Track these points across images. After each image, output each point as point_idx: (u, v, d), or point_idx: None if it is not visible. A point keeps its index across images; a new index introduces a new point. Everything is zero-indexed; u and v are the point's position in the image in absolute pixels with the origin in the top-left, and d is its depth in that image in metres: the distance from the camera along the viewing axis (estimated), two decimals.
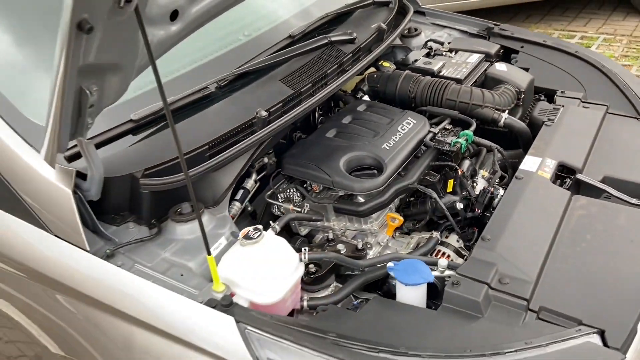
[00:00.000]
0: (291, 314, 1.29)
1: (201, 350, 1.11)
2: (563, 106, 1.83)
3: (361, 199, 1.52)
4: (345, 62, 1.80)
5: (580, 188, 1.56)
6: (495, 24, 2.30)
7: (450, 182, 1.59)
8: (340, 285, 1.38)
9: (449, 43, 2.18)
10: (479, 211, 1.55)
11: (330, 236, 1.49)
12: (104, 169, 1.25)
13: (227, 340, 1.09)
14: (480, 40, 2.24)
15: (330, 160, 1.54)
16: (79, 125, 1.14)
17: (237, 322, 1.10)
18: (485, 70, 2.01)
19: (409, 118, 1.69)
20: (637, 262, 1.29)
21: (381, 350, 1.06)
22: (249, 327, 1.09)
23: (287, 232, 1.61)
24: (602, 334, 1.14)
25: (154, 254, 1.28)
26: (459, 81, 1.89)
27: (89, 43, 1.00)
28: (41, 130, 1.20)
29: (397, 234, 1.60)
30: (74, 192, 1.22)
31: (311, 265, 1.37)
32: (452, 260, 1.45)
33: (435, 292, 1.32)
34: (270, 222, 1.43)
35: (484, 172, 1.68)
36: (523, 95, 1.87)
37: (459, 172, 1.56)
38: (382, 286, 1.41)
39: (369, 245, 1.52)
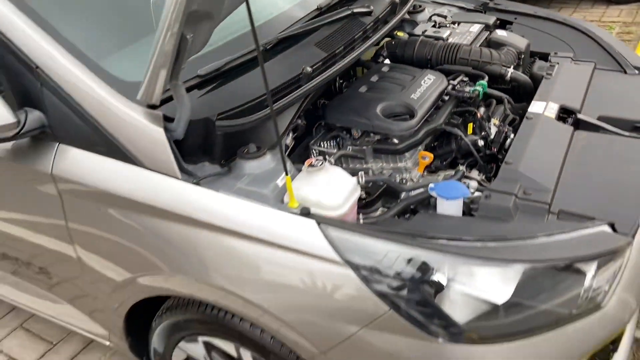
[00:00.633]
0: None
1: (292, 250, 1.33)
2: (558, 63, 2.11)
3: (396, 141, 1.76)
4: (367, 30, 2.05)
5: (580, 125, 1.83)
6: None
7: (470, 125, 1.84)
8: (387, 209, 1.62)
9: (451, 17, 2.45)
10: (495, 149, 1.80)
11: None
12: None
13: (312, 239, 1.32)
14: (478, 14, 2.52)
15: (368, 109, 1.77)
16: (176, 69, 1.36)
17: (318, 223, 1.33)
18: (486, 38, 2.29)
19: (429, 74, 1.94)
20: (634, 173, 1.56)
21: (440, 238, 1.30)
22: (329, 227, 1.32)
23: None
24: (612, 225, 1.39)
25: (230, 184, 1.49)
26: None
27: None
28: (129, 86, 1.42)
29: (425, 173, 1.84)
30: (166, 130, 1.43)
31: (362, 193, 1.60)
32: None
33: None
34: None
35: (495, 120, 1.94)
36: (523, 56, 2.14)
37: (478, 115, 1.82)
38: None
39: (404, 181, 1.75)
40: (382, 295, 1.28)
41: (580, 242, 1.33)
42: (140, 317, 1.82)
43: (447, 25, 2.37)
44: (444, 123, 1.80)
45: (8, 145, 1.69)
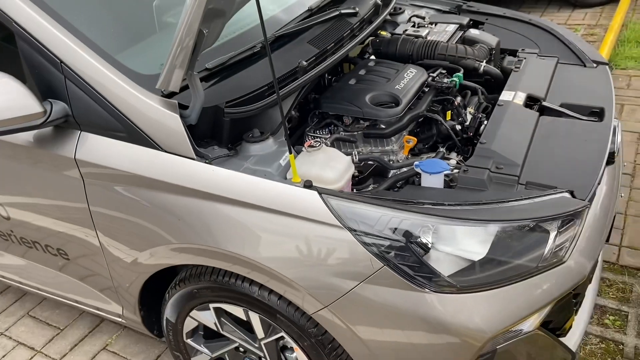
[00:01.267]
0: None
1: (297, 217, 1.52)
2: (525, 58, 2.35)
3: (383, 126, 1.97)
4: (354, 29, 2.26)
5: (544, 111, 2.06)
6: (463, 2, 2.82)
7: (449, 112, 2.06)
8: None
9: (429, 18, 2.68)
10: (470, 134, 2.03)
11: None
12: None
13: (315, 207, 1.51)
14: (453, 15, 2.76)
15: (358, 98, 1.98)
16: (192, 61, 1.55)
17: (320, 194, 1.52)
18: (461, 36, 2.52)
19: (411, 68, 2.16)
20: (590, 151, 1.80)
21: (426, 204, 1.51)
22: (329, 197, 1.51)
23: None
24: (572, 192, 1.62)
25: (238, 164, 1.68)
26: None
27: None
28: (146, 78, 1.61)
29: (409, 155, 2.05)
30: (181, 116, 1.62)
31: (355, 171, 1.81)
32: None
33: None
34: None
35: (470, 109, 2.16)
36: (494, 52, 2.38)
37: (455, 103, 2.04)
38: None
39: (391, 162, 1.96)
40: (376, 254, 1.48)
41: (544, 206, 1.56)
42: (152, 293, 2.00)
43: (426, 25, 2.60)
44: (426, 110, 2.01)
45: (30, 134, 1.85)
